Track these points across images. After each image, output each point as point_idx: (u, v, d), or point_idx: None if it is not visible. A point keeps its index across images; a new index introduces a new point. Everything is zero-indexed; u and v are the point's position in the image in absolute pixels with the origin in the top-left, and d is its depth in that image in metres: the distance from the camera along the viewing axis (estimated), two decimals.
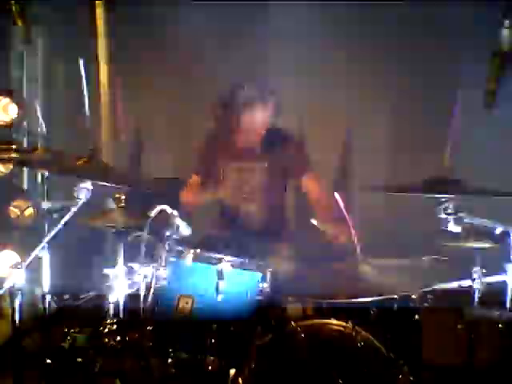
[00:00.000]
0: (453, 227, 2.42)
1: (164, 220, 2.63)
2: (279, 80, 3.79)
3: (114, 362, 2.61)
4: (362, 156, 4.82)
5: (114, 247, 2.91)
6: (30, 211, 3.41)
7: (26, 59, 4.86)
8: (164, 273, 2.54)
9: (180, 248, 2.60)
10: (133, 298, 2.52)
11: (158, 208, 2.51)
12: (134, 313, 2.56)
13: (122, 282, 2.45)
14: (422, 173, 3.27)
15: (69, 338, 2.88)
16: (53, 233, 2.41)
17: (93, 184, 2.45)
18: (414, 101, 4.76)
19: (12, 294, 2.52)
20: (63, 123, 5.03)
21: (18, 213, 3.66)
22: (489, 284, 2.68)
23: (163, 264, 2.54)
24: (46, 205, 2.88)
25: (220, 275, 2.51)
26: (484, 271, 2.72)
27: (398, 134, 4.84)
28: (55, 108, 5.03)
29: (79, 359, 2.75)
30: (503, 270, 2.58)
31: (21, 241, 3.61)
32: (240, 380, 2.57)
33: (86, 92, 2.85)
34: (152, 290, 2.52)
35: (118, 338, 2.60)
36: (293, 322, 2.80)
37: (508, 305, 2.38)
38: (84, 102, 2.88)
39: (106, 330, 2.60)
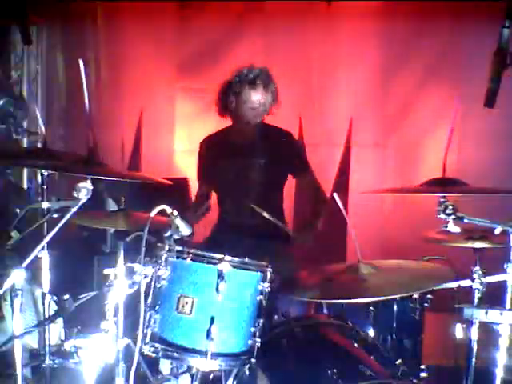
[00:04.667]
0: (452, 227, 2.41)
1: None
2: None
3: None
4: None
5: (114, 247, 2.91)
6: None
7: (25, 59, 4.87)
8: (164, 273, 2.54)
9: (180, 248, 2.59)
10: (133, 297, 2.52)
11: (159, 208, 2.50)
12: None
13: (122, 281, 2.44)
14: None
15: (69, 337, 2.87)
16: (53, 233, 2.41)
17: (93, 184, 2.45)
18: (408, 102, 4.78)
19: (12, 294, 2.52)
20: (63, 123, 5.04)
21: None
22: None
23: (163, 264, 2.54)
24: (45, 205, 2.87)
25: (220, 275, 2.50)
26: (484, 271, 2.72)
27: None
28: (55, 108, 5.04)
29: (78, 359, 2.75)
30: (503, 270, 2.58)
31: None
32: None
33: (86, 92, 2.84)
34: (152, 290, 2.52)
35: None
36: (293, 322, 2.81)
37: (508, 305, 2.38)
38: (84, 102, 2.88)
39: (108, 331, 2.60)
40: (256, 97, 3.51)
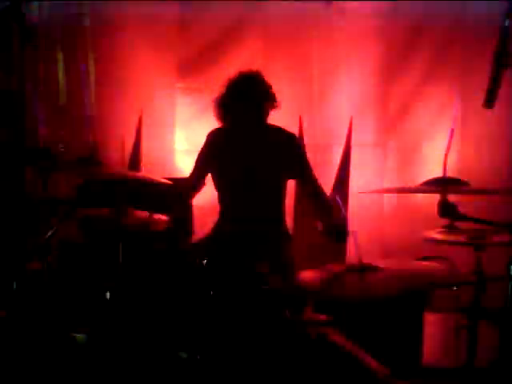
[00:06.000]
0: (453, 227, 2.42)
1: None
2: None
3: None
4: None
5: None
6: None
7: (25, 59, 4.86)
8: None
9: None
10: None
11: None
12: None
13: None
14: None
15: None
16: (52, 232, 2.42)
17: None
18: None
19: None
20: (63, 123, 5.03)
21: None
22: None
23: None
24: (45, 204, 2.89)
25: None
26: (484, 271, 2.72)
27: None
28: (55, 108, 5.03)
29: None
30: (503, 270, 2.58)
31: None
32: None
33: (86, 92, 2.84)
34: None
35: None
36: (293, 322, 2.81)
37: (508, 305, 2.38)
38: (84, 102, 2.88)
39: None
40: (246, 107, 3.50)
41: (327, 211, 3.57)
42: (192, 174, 3.81)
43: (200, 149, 3.78)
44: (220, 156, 3.69)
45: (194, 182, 3.79)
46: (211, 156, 3.73)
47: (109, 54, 4.92)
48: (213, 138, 3.76)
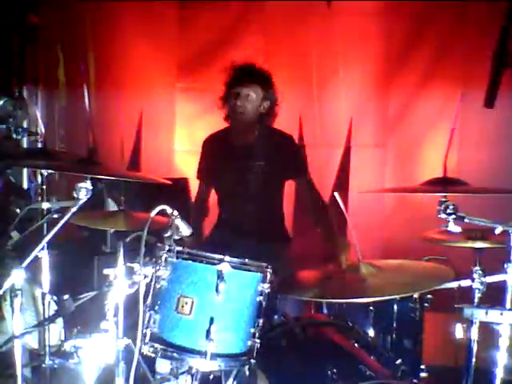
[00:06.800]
0: (453, 227, 2.41)
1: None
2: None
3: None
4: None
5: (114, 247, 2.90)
6: None
7: (25, 59, 4.87)
8: (164, 273, 2.54)
9: (180, 248, 2.59)
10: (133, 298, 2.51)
11: (159, 208, 2.50)
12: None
13: (122, 282, 2.44)
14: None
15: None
16: (52, 233, 2.41)
17: (92, 184, 2.45)
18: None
19: (12, 294, 2.52)
20: (63, 123, 5.03)
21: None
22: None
23: (163, 264, 2.54)
24: (45, 205, 2.88)
25: (220, 276, 2.50)
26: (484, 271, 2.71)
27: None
28: (55, 108, 5.03)
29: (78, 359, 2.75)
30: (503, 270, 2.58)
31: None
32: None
33: (86, 92, 2.85)
34: (152, 291, 2.52)
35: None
36: (293, 322, 2.81)
37: (508, 305, 2.38)
38: (84, 102, 2.88)
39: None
40: (239, 90, 3.51)
41: (324, 214, 3.57)
42: (199, 192, 3.83)
43: (198, 161, 3.78)
44: (218, 162, 3.68)
45: (204, 193, 3.80)
46: (210, 165, 3.72)
47: (109, 54, 4.93)
48: (209, 147, 3.76)
